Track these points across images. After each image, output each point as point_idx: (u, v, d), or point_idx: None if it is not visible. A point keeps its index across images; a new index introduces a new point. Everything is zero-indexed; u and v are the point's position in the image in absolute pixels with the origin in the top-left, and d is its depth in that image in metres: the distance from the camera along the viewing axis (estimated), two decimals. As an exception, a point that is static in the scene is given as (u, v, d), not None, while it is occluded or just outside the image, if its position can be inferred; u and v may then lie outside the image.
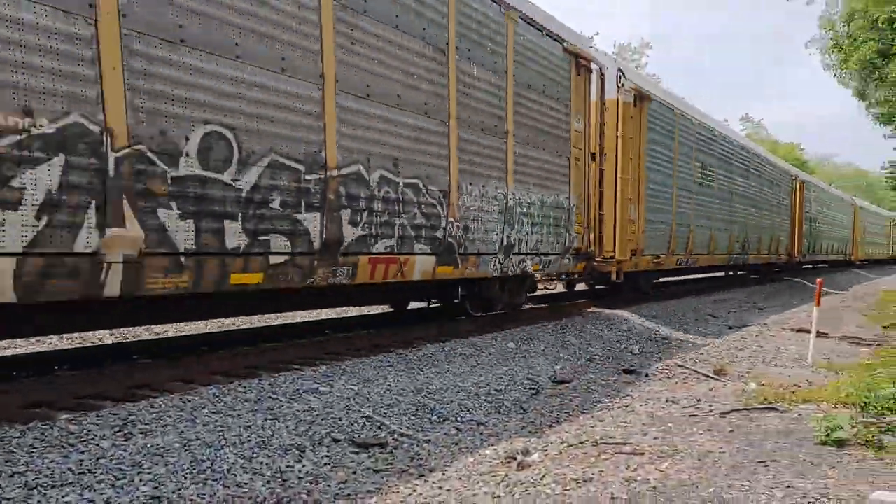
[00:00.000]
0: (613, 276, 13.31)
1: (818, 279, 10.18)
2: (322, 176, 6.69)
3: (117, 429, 4.75)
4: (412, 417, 5.94)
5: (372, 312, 11.66)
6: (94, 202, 4.86)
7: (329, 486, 4.40)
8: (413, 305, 11.38)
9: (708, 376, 8.13)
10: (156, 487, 4.01)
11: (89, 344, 8.95)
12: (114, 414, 5.02)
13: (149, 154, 5.19)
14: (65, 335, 9.28)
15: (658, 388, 7.62)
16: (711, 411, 6.35)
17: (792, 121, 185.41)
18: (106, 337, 9.51)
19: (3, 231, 4.37)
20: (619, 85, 12.78)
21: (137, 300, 5.93)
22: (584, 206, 11.82)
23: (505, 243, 9.64)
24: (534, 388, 7.38)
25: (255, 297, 7.57)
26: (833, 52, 25.92)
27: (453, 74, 8.58)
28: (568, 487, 4.31)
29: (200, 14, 5.51)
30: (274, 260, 6.27)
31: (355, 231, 7.11)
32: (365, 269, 7.28)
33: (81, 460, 4.20)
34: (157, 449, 4.49)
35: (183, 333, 9.86)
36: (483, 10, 9.09)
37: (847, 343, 11.38)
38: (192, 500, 3.96)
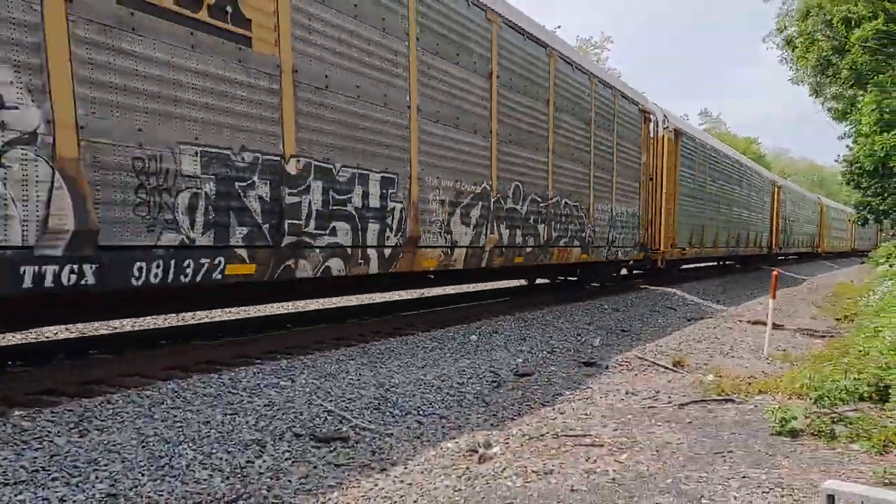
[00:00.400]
0: (659, 263, 18.22)
1: (774, 271, 10.40)
2: (546, 204, 12.16)
3: (73, 425, 4.66)
4: (374, 411, 5.93)
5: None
6: (486, 222, 10.22)
7: (290, 481, 4.38)
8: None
9: (667, 368, 8.25)
10: (112, 485, 3.94)
11: (44, 339, 8.75)
12: (69, 410, 4.92)
13: (499, 198, 10.60)
14: (17, 332, 9.05)
15: (618, 380, 7.71)
16: (670, 403, 6.45)
17: (750, 115, 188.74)
18: (61, 332, 9.30)
19: (465, 236, 9.72)
20: (665, 127, 17.87)
21: (484, 270, 11.56)
22: (645, 213, 17.31)
23: (610, 240, 15.08)
24: (496, 381, 7.42)
25: (515, 270, 14.19)
26: (788, 49, 26.46)
27: (593, 139, 14.14)
28: (529, 480, 4.35)
29: (524, 132, 11.39)
30: (527, 250, 11.57)
31: (554, 234, 12.49)
32: (555, 255, 12.60)
33: (35, 458, 4.11)
34: (113, 445, 4.41)
35: (141, 328, 9.71)
36: (605, 95, 14.65)
37: (801, 335, 11.65)
38: (149, 497, 3.91)
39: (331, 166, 7.28)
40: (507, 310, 12.18)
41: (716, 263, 28.18)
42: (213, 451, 4.61)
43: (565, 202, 12.77)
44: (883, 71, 20.74)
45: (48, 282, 4.80)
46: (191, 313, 10.85)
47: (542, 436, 5.37)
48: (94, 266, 5.07)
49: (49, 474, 3.94)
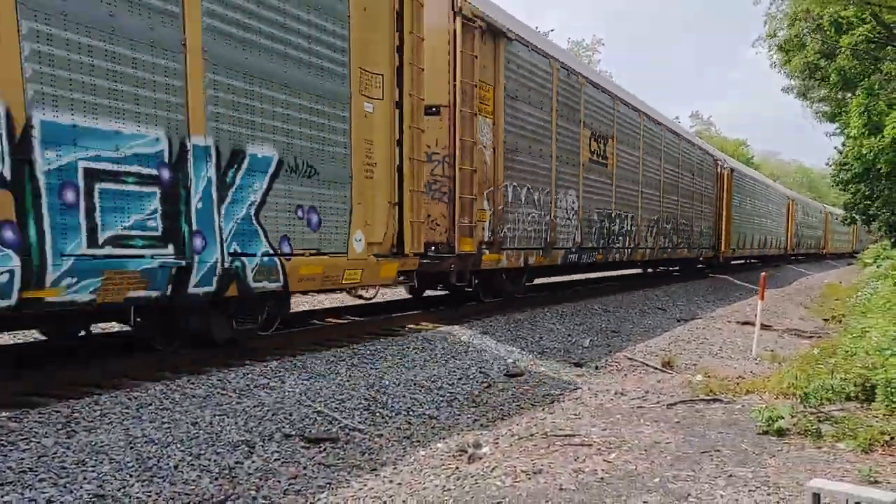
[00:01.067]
0: (720, 259, 25.85)
1: (762, 273, 10.47)
2: (676, 223, 20.21)
3: (60, 426, 4.64)
4: (364, 412, 5.93)
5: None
6: (656, 235, 18.90)
7: (279, 481, 4.38)
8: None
9: (656, 368, 8.29)
10: (100, 486, 3.93)
11: (31, 339, 8.70)
12: (56, 411, 4.90)
13: (661, 222, 19.07)
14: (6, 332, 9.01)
15: (608, 380, 7.74)
16: (658, 403, 6.48)
17: (742, 117, 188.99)
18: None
19: (650, 243, 18.40)
20: (724, 167, 26.16)
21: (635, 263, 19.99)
22: (714, 225, 24.85)
23: (700, 244, 22.71)
24: (486, 382, 7.43)
25: (669, 260, 21.52)
26: (779, 53, 26.57)
27: (693, 182, 21.86)
28: (518, 479, 4.36)
29: (669, 184, 20.67)
30: (668, 250, 19.67)
31: (679, 240, 20.61)
32: (678, 253, 20.78)
33: (22, 458, 4.09)
34: (101, 446, 4.40)
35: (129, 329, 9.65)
36: (698, 154, 22.96)
37: (789, 335, 11.72)
38: (137, 497, 3.90)
39: (620, 213, 15.62)
40: (498, 310, 12.18)
41: (743, 262, 35.03)
42: (202, 451, 4.60)
43: (683, 222, 20.89)
44: (871, 74, 20.88)
45: (569, 260, 13.05)
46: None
47: (531, 436, 5.39)
48: (578, 255, 13.22)
49: (36, 475, 3.93)
